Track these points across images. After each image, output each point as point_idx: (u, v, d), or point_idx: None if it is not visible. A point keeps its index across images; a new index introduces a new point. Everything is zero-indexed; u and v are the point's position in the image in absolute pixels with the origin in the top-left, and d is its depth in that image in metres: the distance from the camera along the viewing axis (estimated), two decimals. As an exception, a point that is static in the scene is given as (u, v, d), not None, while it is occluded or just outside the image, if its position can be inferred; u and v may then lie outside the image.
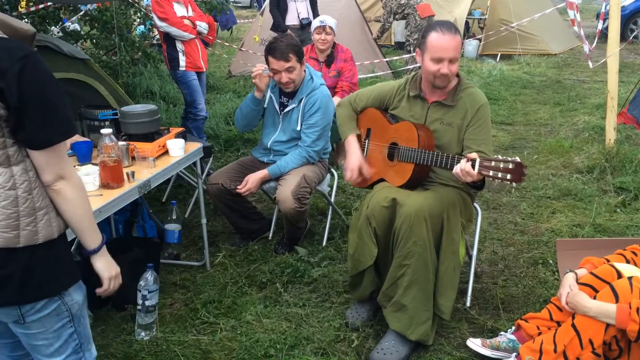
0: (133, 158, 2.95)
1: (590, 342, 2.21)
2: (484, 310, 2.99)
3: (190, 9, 4.99)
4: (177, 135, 3.24)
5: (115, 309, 3.05)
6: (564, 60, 10.40)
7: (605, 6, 6.24)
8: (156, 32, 6.63)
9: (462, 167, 2.42)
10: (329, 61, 4.91)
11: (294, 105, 3.52)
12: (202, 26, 5.00)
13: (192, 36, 4.89)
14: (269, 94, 3.60)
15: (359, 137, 3.02)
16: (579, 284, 2.38)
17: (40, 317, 1.64)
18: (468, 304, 3.00)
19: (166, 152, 3.12)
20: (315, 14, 6.28)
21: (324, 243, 3.72)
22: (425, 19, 8.35)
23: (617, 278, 2.30)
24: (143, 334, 2.82)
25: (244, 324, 2.90)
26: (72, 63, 3.90)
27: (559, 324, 2.40)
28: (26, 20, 5.84)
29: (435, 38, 2.64)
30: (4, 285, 1.56)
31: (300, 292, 3.20)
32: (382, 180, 2.92)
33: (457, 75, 2.82)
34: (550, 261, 3.43)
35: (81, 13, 6.87)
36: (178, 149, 3.12)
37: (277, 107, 3.58)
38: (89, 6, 6.76)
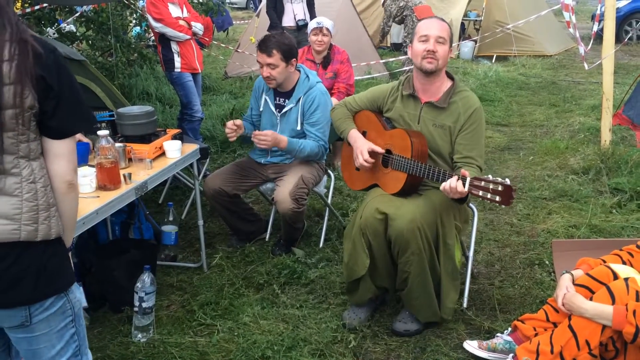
0: (130, 160, 2.95)
1: (587, 343, 2.21)
2: (481, 311, 3.00)
3: (185, 10, 4.99)
4: (174, 137, 3.24)
5: (112, 311, 3.04)
6: (559, 61, 10.43)
7: (601, 8, 6.27)
8: (152, 34, 6.62)
9: (451, 185, 2.45)
10: (325, 63, 4.92)
11: (291, 105, 3.52)
12: (198, 27, 4.99)
13: (188, 37, 4.88)
14: (263, 96, 3.60)
15: None
16: (575, 285, 2.38)
17: (47, 315, 1.65)
18: (465, 304, 3.00)
19: (163, 154, 3.12)
20: (313, 15, 6.27)
21: (321, 244, 3.73)
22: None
23: (613, 279, 2.31)
24: (140, 335, 2.81)
25: (241, 326, 2.90)
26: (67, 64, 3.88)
27: (555, 324, 2.40)
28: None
29: (421, 23, 2.82)
30: (18, 282, 1.57)
31: (298, 293, 3.20)
32: (375, 185, 2.94)
33: (452, 79, 2.83)
34: (547, 262, 3.44)
35: (77, 14, 6.85)
36: (175, 150, 3.11)
37: (273, 108, 3.58)
38: (84, 7, 6.73)
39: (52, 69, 1.53)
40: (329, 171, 3.92)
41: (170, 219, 3.54)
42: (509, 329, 2.64)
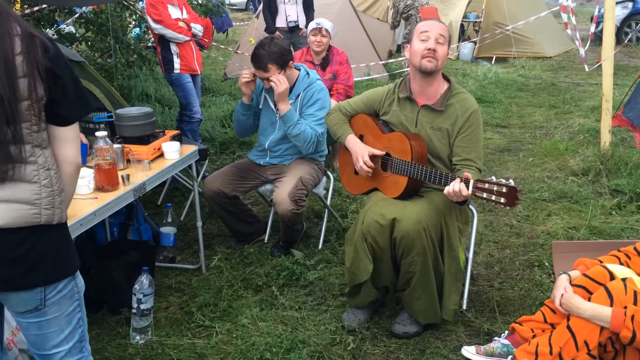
0: (128, 161, 2.94)
1: (586, 343, 2.21)
2: (480, 313, 2.99)
3: (184, 11, 4.99)
4: (173, 138, 3.23)
5: (110, 313, 3.04)
6: (558, 63, 10.44)
7: (599, 9, 6.28)
8: (151, 35, 6.62)
9: (454, 188, 2.45)
10: (324, 64, 4.91)
11: (291, 102, 3.51)
12: (197, 28, 4.99)
13: (187, 38, 4.88)
14: (262, 95, 3.60)
15: None
16: (572, 285, 2.38)
17: (59, 297, 1.73)
18: (464, 306, 3.00)
19: (161, 155, 3.12)
20: (311, 17, 6.27)
21: (320, 246, 3.72)
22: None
23: (610, 279, 2.31)
24: (138, 337, 2.80)
25: (239, 328, 2.89)
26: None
27: (553, 326, 2.40)
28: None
29: (421, 23, 2.83)
30: (38, 264, 1.65)
31: (296, 295, 3.19)
32: (375, 189, 2.92)
33: (448, 81, 2.83)
34: (546, 264, 3.43)
35: (76, 15, 6.85)
36: (173, 151, 3.11)
37: (272, 106, 3.57)
38: (84, 8, 6.74)
39: (59, 61, 1.62)
40: (328, 172, 3.91)
41: (169, 220, 3.53)
42: (507, 332, 2.63)
